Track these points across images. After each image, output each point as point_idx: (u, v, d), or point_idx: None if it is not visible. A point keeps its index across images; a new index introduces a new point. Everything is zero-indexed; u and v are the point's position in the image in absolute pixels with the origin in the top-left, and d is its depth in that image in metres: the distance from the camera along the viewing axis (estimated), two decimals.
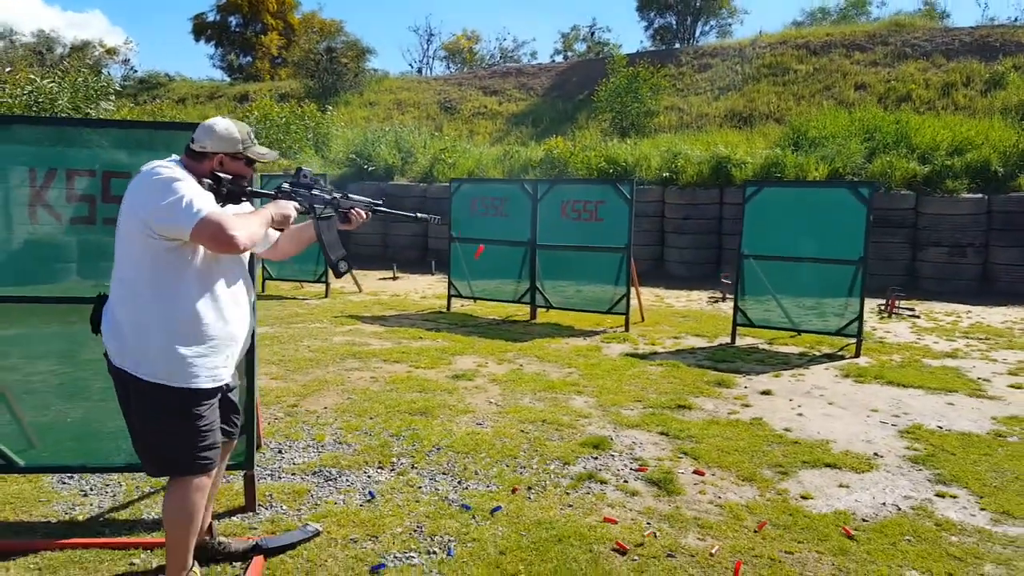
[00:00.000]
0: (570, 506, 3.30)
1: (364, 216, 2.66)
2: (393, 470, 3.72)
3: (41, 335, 3.16)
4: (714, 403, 5.13)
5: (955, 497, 3.54)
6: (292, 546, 2.82)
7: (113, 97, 14.96)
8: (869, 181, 9.69)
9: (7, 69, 15.97)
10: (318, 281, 10.37)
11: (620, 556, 2.82)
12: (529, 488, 3.49)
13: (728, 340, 7.44)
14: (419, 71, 32.65)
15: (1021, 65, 16.30)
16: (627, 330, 7.91)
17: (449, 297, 9.33)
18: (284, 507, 3.23)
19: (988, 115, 14.53)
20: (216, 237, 2.13)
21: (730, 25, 29.40)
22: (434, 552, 2.83)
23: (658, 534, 3.03)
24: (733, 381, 5.75)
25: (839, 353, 6.96)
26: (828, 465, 3.92)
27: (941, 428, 4.66)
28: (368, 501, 3.30)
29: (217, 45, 33.04)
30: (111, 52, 29.01)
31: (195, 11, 33.67)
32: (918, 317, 9.33)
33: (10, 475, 3.29)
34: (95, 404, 3.10)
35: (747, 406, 5.09)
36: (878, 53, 18.37)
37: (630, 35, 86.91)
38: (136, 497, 3.33)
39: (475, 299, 9.32)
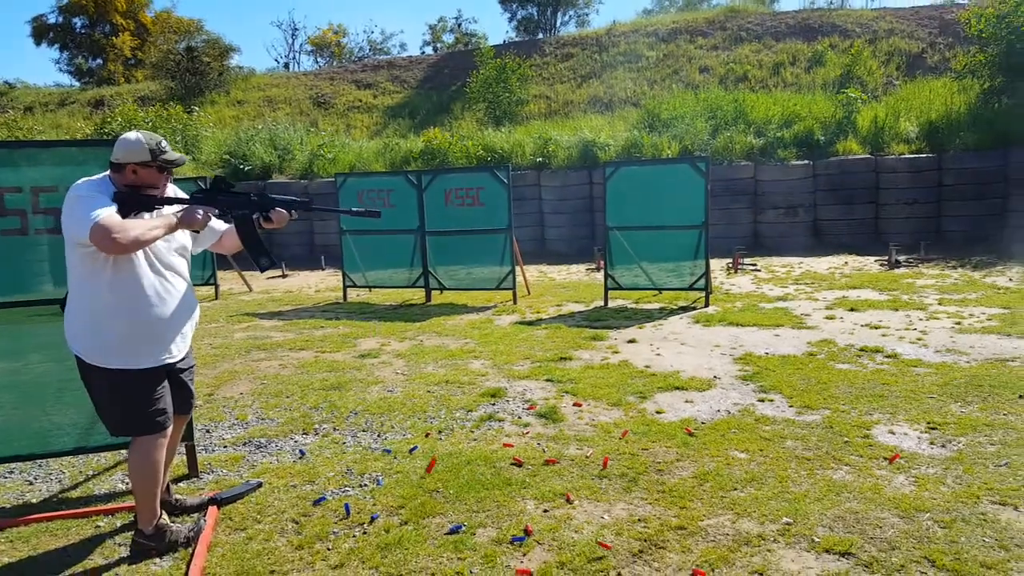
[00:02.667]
0: (475, 440, 4.00)
1: (289, 215, 3.01)
2: (317, 434, 4.26)
3: None
4: (590, 354, 6.00)
5: (772, 401, 4.55)
6: (241, 495, 3.33)
7: None
8: (704, 156, 11.00)
9: None
10: (207, 284, 10.43)
11: (517, 468, 3.55)
12: (440, 432, 4.15)
13: (602, 303, 8.41)
14: (286, 66, 32.00)
15: (836, 44, 18.59)
16: (515, 303, 8.71)
17: (345, 288, 9.75)
18: (225, 471, 3.71)
19: (811, 90, 16.57)
20: (102, 240, 2.50)
21: (587, 15, 31.03)
22: (366, 485, 3.44)
23: (546, 449, 3.80)
24: (605, 335, 6.66)
25: (692, 305, 8.10)
26: (677, 388, 4.86)
27: (767, 353, 5.76)
28: (300, 458, 3.84)
29: (62, 48, 30.71)
30: None
31: (32, 13, 30.76)
32: (759, 271, 10.80)
33: None
34: (33, 395, 3.45)
35: (616, 353, 5.99)
36: (717, 38, 20.25)
37: (496, 26, 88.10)
38: (82, 480, 3.68)
39: (370, 288, 9.81)
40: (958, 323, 6.57)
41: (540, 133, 15.10)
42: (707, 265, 7.97)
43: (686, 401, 4.59)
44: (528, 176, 14.10)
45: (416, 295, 9.59)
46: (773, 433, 3.94)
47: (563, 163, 14.10)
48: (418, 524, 3.01)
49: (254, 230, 3.01)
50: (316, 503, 3.26)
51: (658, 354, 5.90)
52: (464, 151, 14.82)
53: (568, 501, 3.16)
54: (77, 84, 27.82)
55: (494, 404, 4.67)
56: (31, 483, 3.66)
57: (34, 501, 3.45)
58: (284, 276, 12.91)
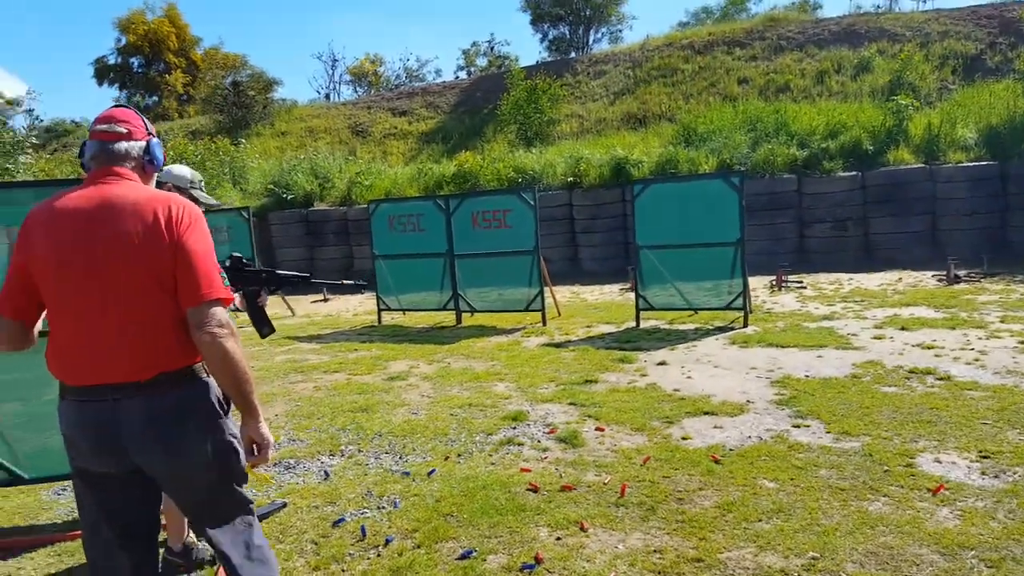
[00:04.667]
0: (493, 464, 3.96)
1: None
2: (343, 455, 4.29)
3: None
4: (617, 376, 5.90)
5: (808, 427, 4.37)
6: (265, 516, 3.37)
7: (31, 150, 14.67)
8: (739, 170, 10.79)
9: None
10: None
11: (533, 493, 3.49)
12: (459, 455, 4.13)
13: (633, 324, 8.29)
14: (327, 97, 32.89)
15: (885, 50, 18.08)
16: (544, 324, 8.66)
17: (379, 311, 9.86)
18: (252, 491, 3.74)
19: (858, 98, 16.15)
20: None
21: (620, 31, 31.07)
22: (383, 507, 3.44)
23: (563, 475, 3.73)
24: (634, 357, 6.54)
25: (730, 325, 7.91)
26: (707, 413, 4.73)
27: (807, 376, 5.55)
28: (324, 479, 3.88)
29: (121, 87, 32.33)
30: (11, 103, 27.93)
31: (95, 55, 32.48)
32: (805, 288, 10.49)
33: (12, 489, 3.75)
34: None
35: (644, 375, 5.88)
36: (757, 48, 19.99)
37: (528, 47, 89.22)
38: None
39: (404, 311, 9.90)
40: (1023, 342, 6.17)
41: (571, 152, 15.11)
42: (744, 283, 7.79)
43: (715, 427, 4.46)
44: (560, 196, 14.09)
45: (447, 318, 9.63)
46: (806, 461, 3.78)
47: (595, 182, 14.05)
48: (430, 548, 2.98)
49: (259, 305, 3.06)
50: (335, 524, 3.28)
51: (689, 377, 5.76)
52: (495, 173, 14.92)
53: (582, 529, 3.09)
54: None
55: (515, 428, 4.62)
56: None
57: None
58: (326, 300, 13.16)
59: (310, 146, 20.64)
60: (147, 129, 2.04)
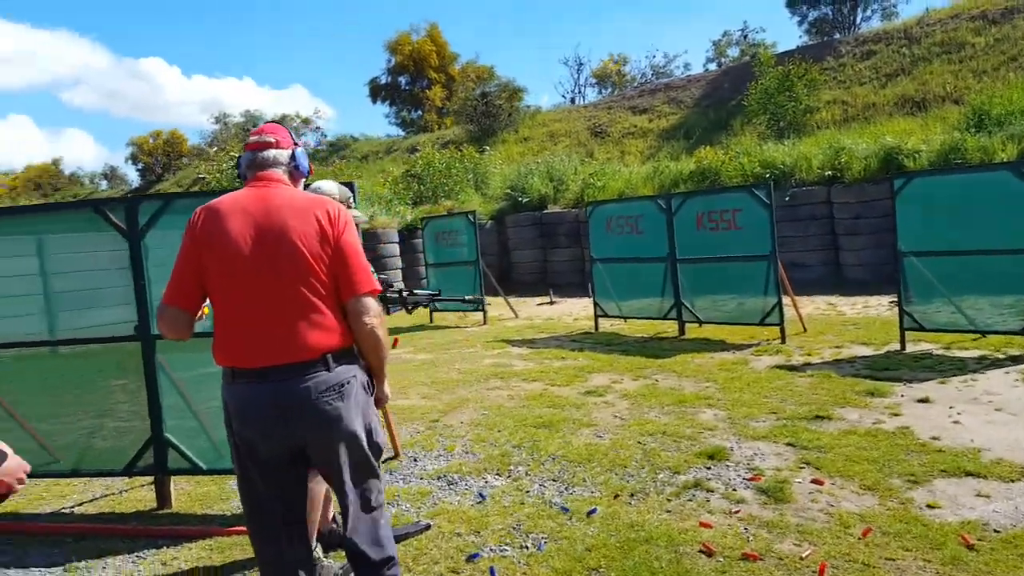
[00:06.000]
0: (668, 511, 3.36)
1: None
2: (509, 476, 4.01)
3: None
4: (859, 413, 4.82)
5: None
6: (406, 536, 3.20)
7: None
8: None
9: (212, 149, 18.81)
10: (476, 310, 11.07)
11: (706, 557, 2.85)
12: (632, 494, 3.59)
13: (897, 347, 6.86)
14: (572, 101, 33.45)
15: None
16: (783, 342, 7.57)
17: (596, 317, 9.52)
18: (407, 505, 3.65)
19: None
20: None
21: (894, 6, 26.86)
22: (526, 547, 3.06)
23: (752, 538, 3.01)
24: (888, 390, 5.33)
25: None
26: (970, 474, 3.57)
27: None
28: (478, 502, 3.62)
29: (391, 104, 36.41)
30: (306, 122, 33.12)
31: (369, 76, 37.19)
32: None
33: (201, 478, 4.09)
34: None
35: (896, 415, 4.72)
36: None
37: (786, 33, 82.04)
38: None
39: (624, 318, 9.41)
40: None
41: (830, 143, 13.26)
42: None
43: (979, 495, 3.33)
44: (816, 192, 12.42)
45: (670, 327, 8.94)
46: None
47: (858, 175, 12.14)
48: None
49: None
50: (469, 559, 2.99)
51: (956, 422, 4.49)
52: (739, 169, 13.67)
53: None
54: (402, 134, 32.65)
55: (709, 468, 3.93)
56: None
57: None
58: (552, 303, 13.19)
59: (549, 150, 21.07)
60: (293, 140, 2.31)
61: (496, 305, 12.24)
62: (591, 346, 8.22)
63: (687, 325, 8.64)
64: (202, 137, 30.72)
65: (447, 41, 35.33)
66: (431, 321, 11.69)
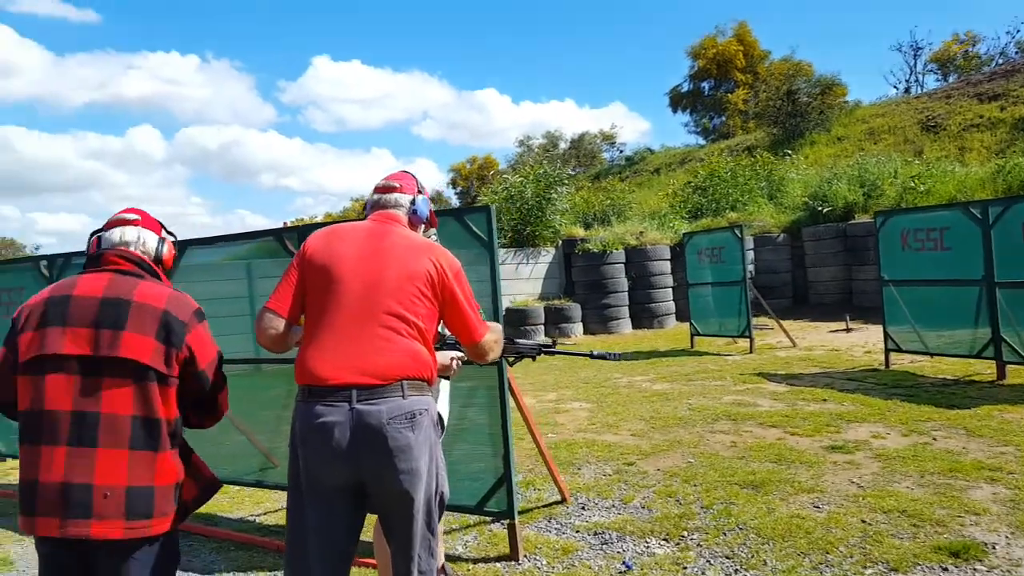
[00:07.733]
0: None
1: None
2: (676, 544, 3.44)
3: None
4: None
5: None
6: None
7: (567, 182, 17.07)
8: None
9: (512, 171, 20.01)
10: (741, 336, 10.06)
11: None
12: None
13: None
14: (907, 91, 28.58)
15: None
16: None
17: (886, 351, 7.89)
18: (543, 562, 3.34)
19: None
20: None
21: None
22: None
23: None
24: None
25: None
26: None
27: None
28: (622, 573, 3.15)
29: (691, 112, 35.30)
30: (608, 138, 34.00)
31: (670, 85, 36.14)
32: None
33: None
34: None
35: None
36: None
37: None
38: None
39: (930, 354, 7.60)
40: None
41: None
42: None
43: None
44: None
45: (985, 368, 6.97)
46: None
47: None
48: None
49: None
50: None
51: None
52: None
53: None
54: (701, 142, 31.31)
55: (946, 569, 2.89)
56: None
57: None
58: (848, 331, 11.41)
59: (867, 150, 18.29)
60: (417, 188, 2.39)
61: (771, 332, 10.99)
62: (869, 387, 6.81)
63: (1008, 367, 6.65)
64: (506, 160, 33.34)
65: (757, 39, 33.15)
66: (692, 346, 10.95)
